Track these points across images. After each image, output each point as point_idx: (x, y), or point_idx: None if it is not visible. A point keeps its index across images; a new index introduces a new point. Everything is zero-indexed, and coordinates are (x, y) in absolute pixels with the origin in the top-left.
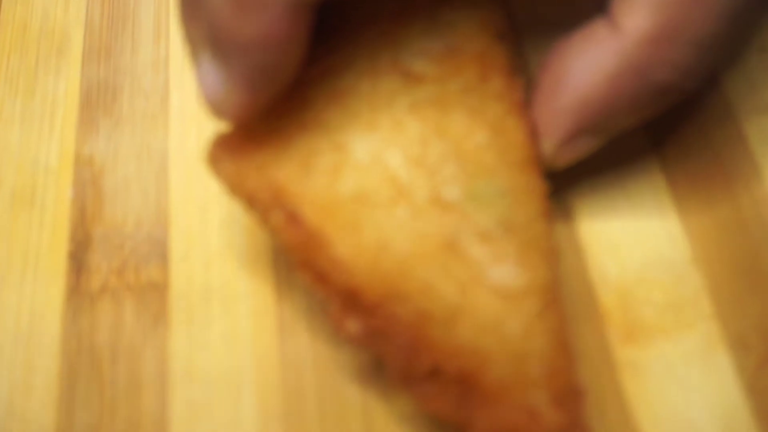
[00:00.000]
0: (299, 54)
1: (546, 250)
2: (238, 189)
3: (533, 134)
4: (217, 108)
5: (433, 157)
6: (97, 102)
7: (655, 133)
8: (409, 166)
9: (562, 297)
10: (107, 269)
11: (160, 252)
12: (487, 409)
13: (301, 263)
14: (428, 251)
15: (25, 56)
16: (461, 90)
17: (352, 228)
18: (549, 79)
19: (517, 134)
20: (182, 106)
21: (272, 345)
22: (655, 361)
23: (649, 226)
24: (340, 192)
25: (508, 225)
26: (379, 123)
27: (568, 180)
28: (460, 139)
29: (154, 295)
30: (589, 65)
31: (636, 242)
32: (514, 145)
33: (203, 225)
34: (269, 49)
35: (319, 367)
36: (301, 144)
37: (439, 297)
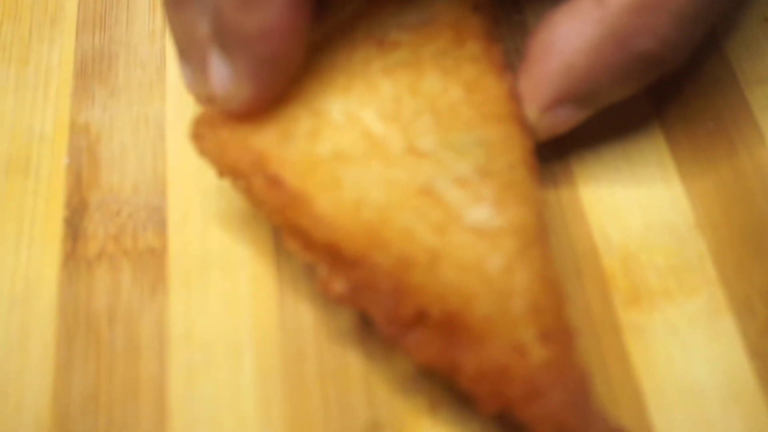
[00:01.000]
0: (303, 43)
1: (526, 195)
2: (220, 162)
3: (514, 95)
4: (226, 102)
5: (407, 112)
6: (93, 71)
7: (657, 101)
8: (384, 122)
9: (546, 241)
10: (104, 235)
11: (157, 218)
12: (474, 349)
13: (287, 230)
14: (405, 198)
15: (18, 25)
16: (435, 53)
17: (331, 185)
18: (536, 48)
19: (493, 90)
20: (179, 76)
21: (271, 309)
22: (659, 325)
23: (651, 191)
24: (318, 153)
25: (485, 171)
26: (353, 86)
27: (570, 146)
28: (434, 96)
29: (152, 261)
30: (574, 34)
31: (638, 207)
32: (491, 100)
33: (201, 191)
34: (274, 41)
35: (318, 330)
36: (280, 114)
37: (419, 242)
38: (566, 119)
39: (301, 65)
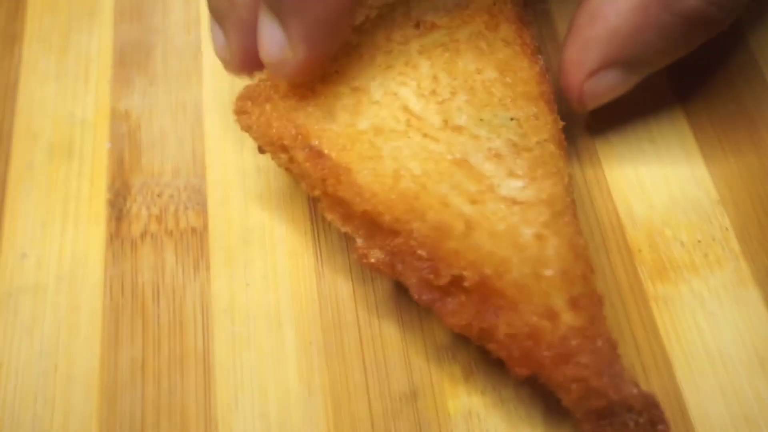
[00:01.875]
0: (353, 6)
1: (556, 169)
2: (264, 137)
3: (544, 76)
4: (277, 67)
5: (444, 90)
6: (131, 60)
7: (679, 84)
8: (421, 99)
9: (575, 213)
10: (147, 216)
11: (198, 199)
12: (507, 314)
13: (327, 201)
14: (441, 169)
15: (57, 17)
16: (470, 36)
17: (370, 157)
18: (582, 16)
19: (525, 72)
20: (215, 63)
21: (310, 282)
22: (685, 296)
23: (674, 170)
24: (358, 127)
25: (517, 146)
26: (393, 65)
27: (596, 127)
28: (469, 76)
29: (194, 239)
30: None
31: (662, 185)
32: (523, 81)
33: (239, 172)
34: (328, 2)
35: (355, 301)
36: (322, 91)
37: (455, 210)
38: (613, 84)
39: (349, 32)
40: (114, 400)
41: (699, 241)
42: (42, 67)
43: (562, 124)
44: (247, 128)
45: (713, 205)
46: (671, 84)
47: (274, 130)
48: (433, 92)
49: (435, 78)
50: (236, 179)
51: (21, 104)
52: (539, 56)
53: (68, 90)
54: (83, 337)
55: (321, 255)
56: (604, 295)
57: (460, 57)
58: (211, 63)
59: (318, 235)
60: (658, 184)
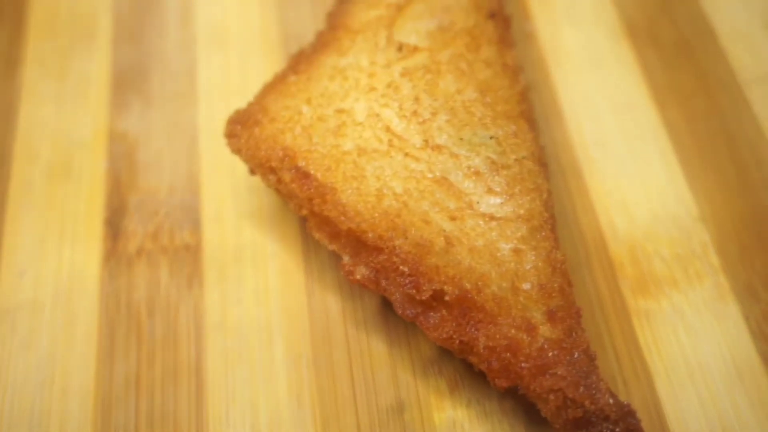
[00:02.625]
0: None
1: (534, 185)
2: (253, 159)
3: (525, 94)
4: None
5: (425, 111)
6: (129, 82)
7: (662, 101)
8: (403, 119)
9: (554, 227)
10: (143, 233)
11: (192, 216)
12: (486, 327)
13: (314, 221)
14: (422, 187)
15: (57, 40)
16: (451, 57)
17: (354, 176)
18: None
19: (506, 91)
20: (210, 84)
21: (300, 298)
22: (666, 310)
23: (656, 185)
24: (343, 148)
25: (495, 164)
26: (376, 87)
27: (578, 142)
28: (450, 96)
29: (188, 256)
30: None
31: (644, 200)
32: (504, 100)
33: (233, 191)
34: None
35: (344, 317)
36: (308, 114)
37: (435, 227)
38: None
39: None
40: (108, 413)
41: (679, 256)
42: (42, 89)
43: (542, 142)
44: (237, 151)
45: (694, 220)
46: (653, 100)
47: (263, 153)
48: (415, 113)
49: (417, 99)
50: (230, 198)
51: (21, 126)
52: (521, 76)
53: (67, 112)
54: (79, 352)
55: (311, 271)
56: (586, 308)
57: (442, 78)
58: (205, 84)
59: (308, 252)
60: (640, 200)
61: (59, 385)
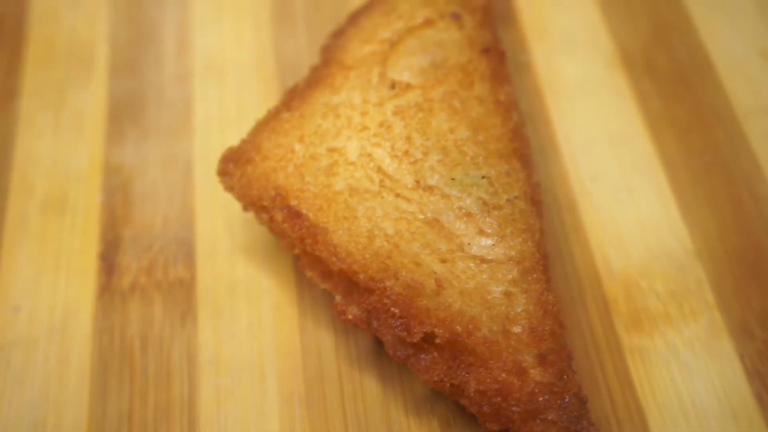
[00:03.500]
0: None
1: (526, 226)
2: (245, 197)
3: (519, 131)
4: None
5: (417, 150)
6: (125, 114)
7: (656, 133)
8: (395, 159)
9: (546, 269)
10: (137, 268)
11: (186, 251)
12: (477, 370)
13: (306, 259)
14: (413, 229)
15: (53, 71)
16: (444, 95)
17: (345, 217)
18: None
19: (498, 129)
20: (206, 116)
21: (293, 335)
22: (660, 348)
23: (651, 219)
24: (334, 188)
25: (487, 205)
26: (368, 126)
27: (574, 178)
28: (442, 135)
29: (182, 291)
30: None
31: (639, 235)
32: (496, 138)
33: (227, 225)
34: None
35: (337, 354)
36: (300, 152)
37: (425, 269)
38: None
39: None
40: None
41: (674, 292)
42: (38, 121)
43: (537, 178)
44: (229, 189)
45: (689, 256)
46: (649, 132)
47: (255, 192)
48: (407, 153)
49: (408, 138)
50: (224, 232)
51: (17, 158)
52: (515, 112)
53: (63, 144)
54: (72, 390)
55: (305, 308)
56: (580, 346)
57: (434, 117)
58: (202, 116)
59: (302, 288)
60: (635, 235)
61: (52, 423)
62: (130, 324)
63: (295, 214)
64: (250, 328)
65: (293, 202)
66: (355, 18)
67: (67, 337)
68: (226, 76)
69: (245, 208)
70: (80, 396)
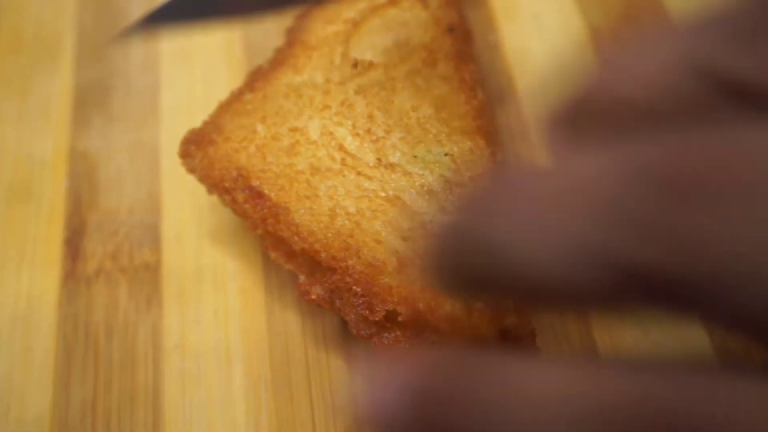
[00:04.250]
0: None
1: None
2: (207, 179)
3: (482, 111)
4: None
5: (379, 129)
6: (91, 101)
7: None
8: (357, 138)
9: None
10: (102, 253)
11: (152, 236)
12: (440, 347)
13: (269, 240)
14: (375, 207)
15: (19, 59)
16: (407, 73)
17: (307, 196)
18: None
19: (462, 107)
20: (173, 102)
21: (260, 319)
22: (628, 323)
23: None
24: (296, 167)
25: (449, 182)
26: (330, 105)
27: (542, 156)
28: (404, 114)
29: (148, 276)
30: None
31: None
32: (459, 116)
33: (194, 210)
34: None
35: (304, 336)
36: (262, 132)
37: (387, 246)
38: None
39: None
40: None
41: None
42: (3, 109)
43: (502, 157)
44: (191, 171)
45: None
46: None
47: (217, 173)
48: (368, 131)
49: (370, 117)
50: (191, 217)
51: None
52: (480, 90)
53: (28, 132)
54: (35, 379)
55: (272, 290)
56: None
57: (396, 95)
58: (169, 103)
59: (269, 271)
60: None
61: (15, 414)
62: (94, 310)
63: (257, 194)
64: (216, 313)
65: (255, 183)
66: None
67: (31, 325)
68: (193, 63)
69: (209, 191)
70: (44, 385)
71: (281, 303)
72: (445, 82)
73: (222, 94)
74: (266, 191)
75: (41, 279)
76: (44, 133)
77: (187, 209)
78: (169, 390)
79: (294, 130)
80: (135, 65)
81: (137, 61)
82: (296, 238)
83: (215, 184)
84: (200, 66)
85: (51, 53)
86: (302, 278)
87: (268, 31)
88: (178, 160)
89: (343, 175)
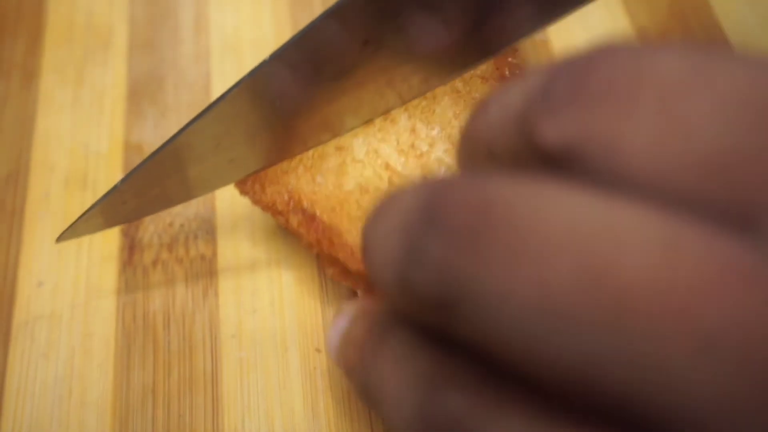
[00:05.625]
0: None
1: None
2: (260, 202)
3: None
4: None
5: (422, 143)
6: (144, 92)
7: None
8: (402, 154)
9: None
10: (158, 244)
11: (207, 228)
12: None
13: (325, 259)
14: None
15: (72, 49)
16: None
17: (358, 217)
18: None
19: None
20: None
21: (315, 309)
22: None
23: None
24: (345, 188)
25: None
26: (373, 122)
27: None
28: (446, 123)
29: (204, 267)
30: None
31: None
32: None
33: (247, 203)
34: None
35: None
36: (310, 153)
37: None
38: None
39: None
40: (126, 424)
41: None
42: (58, 99)
43: None
44: (244, 193)
45: None
46: None
47: (269, 196)
48: (412, 146)
49: (413, 130)
50: (244, 209)
51: (38, 137)
52: None
53: (83, 122)
54: (96, 363)
55: (326, 282)
56: None
57: (437, 103)
58: (219, 94)
59: (322, 263)
60: None
61: (77, 396)
62: (152, 299)
63: (310, 218)
64: (271, 304)
65: (306, 204)
66: None
67: (90, 312)
68: (243, 55)
69: (264, 211)
70: (105, 369)
71: (334, 294)
72: (485, 82)
73: None
74: (318, 213)
75: (99, 267)
76: (98, 123)
77: (239, 201)
78: (227, 377)
79: (340, 148)
80: (186, 57)
81: (188, 53)
82: (351, 259)
83: (268, 207)
84: (250, 59)
85: (103, 44)
86: (360, 293)
87: None
88: None
89: None
